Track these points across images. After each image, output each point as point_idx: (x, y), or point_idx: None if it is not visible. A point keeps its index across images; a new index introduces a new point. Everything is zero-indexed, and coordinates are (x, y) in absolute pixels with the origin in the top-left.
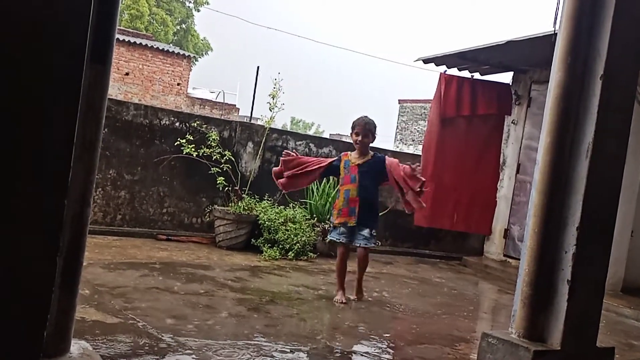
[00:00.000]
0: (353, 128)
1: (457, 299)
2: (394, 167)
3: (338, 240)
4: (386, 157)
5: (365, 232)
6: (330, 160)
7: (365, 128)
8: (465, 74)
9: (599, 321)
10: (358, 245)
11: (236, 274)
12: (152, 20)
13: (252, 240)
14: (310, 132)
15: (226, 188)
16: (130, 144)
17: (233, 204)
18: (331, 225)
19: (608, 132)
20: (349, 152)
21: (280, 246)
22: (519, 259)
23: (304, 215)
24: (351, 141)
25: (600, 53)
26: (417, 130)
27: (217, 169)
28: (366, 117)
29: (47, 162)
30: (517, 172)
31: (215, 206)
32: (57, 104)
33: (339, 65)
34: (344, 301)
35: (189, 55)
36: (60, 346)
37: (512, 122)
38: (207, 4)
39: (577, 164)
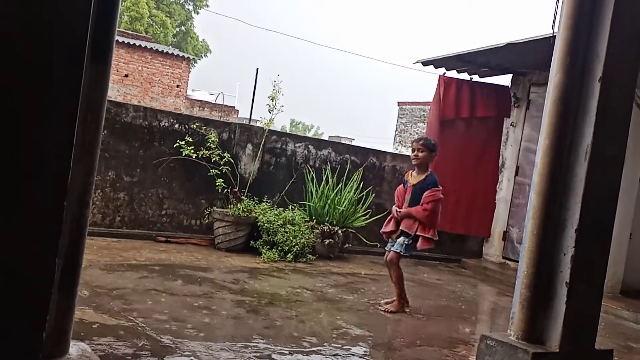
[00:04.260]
0: (411, 147)
1: (456, 301)
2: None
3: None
4: (433, 185)
5: (400, 239)
6: (402, 187)
7: (418, 143)
8: (465, 76)
9: (597, 323)
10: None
11: (235, 276)
12: (151, 22)
13: (251, 242)
14: (310, 134)
15: (225, 190)
16: (129, 145)
17: (232, 205)
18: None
19: (607, 134)
20: (410, 171)
21: (279, 248)
22: (518, 261)
23: (303, 217)
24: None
25: (599, 55)
26: (417, 133)
27: (216, 170)
28: (421, 136)
29: (46, 163)
30: (516, 174)
31: (214, 208)
32: (57, 104)
33: (338, 67)
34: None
35: (189, 57)
36: (59, 347)
37: (511, 125)
38: (207, 6)
39: (576, 166)
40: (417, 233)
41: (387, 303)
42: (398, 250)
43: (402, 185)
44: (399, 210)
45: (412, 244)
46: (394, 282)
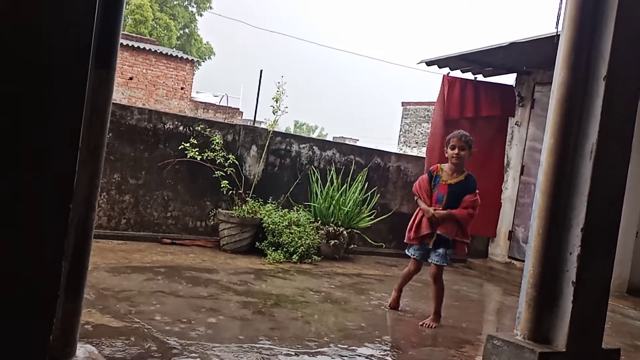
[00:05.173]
0: (448, 142)
1: (462, 301)
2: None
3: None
4: (475, 188)
5: (441, 250)
6: (427, 182)
7: (461, 140)
8: (469, 75)
9: (604, 322)
10: (431, 261)
11: (240, 277)
12: (155, 25)
13: (256, 243)
14: (314, 135)
15: (230, 191)
16: (134, 148)
17: (237, 207)
18: None
19: (612, 133)
20: (440, 165)
21: (284, 249)
22: (524, 261)
23: (308, 218)
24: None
25: (603, 54)
26: (421, 133)
27: (221, 172)
28: (461, 131)
29: (52, 166)
30: (521, 173)
31: (220, 210)
32: (62, 107)
33: (342, 68)
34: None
35: (193, 60)
36: (66, 349)
37: (515, 124)
38: (210, 8)
39: (581, 165)
40: (457, 238)
41: (422, 324)
42: (444, 264)
43: (425, 176)
44: (436, 210)
45: (451, 253)
46: (434, 296)
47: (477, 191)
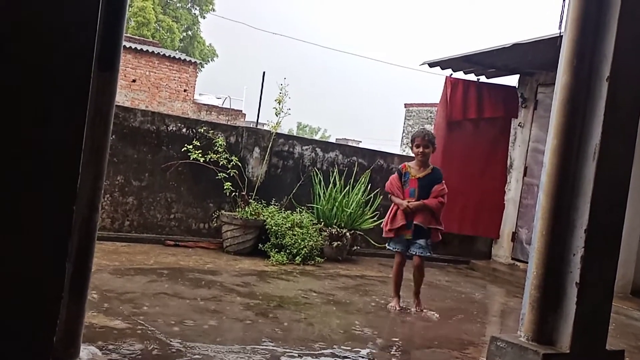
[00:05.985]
0: (412, 141)
1: (465, 303)
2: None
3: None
4: (441, 179)
5: (421, 241)
6: (397, 179)
7: (425, 139)
8: (471, 77)
9: (608, 324)
10: (414, 253)
11: (244, 279)
12: (158, 28)
13: (260, 245)
14: (317, 137)
15: (233, 193)
16: (137, 150)
17: (240, 209)
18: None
19: (615, 134)
20: (407, 163)
21: (287, 251)
22: (527, 262)
23: (311, 220)
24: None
25: (606, 55)
26: None
27: (224, 174)
28: (424, 129)
29: (54, 167)
30: (525, 174)
31: (223, 211)
32: (66, 109)
33: (344, 70)
34: (397, 308)
35: (195, 62)
36: (69, 350)
37: (518, 125)
38: (213, 10)
39: (585, 165)
40: (431, 226)
41: (418, 310)
42: (427, 254)
43: (396, 175)
44: (409, 202)
45: (431, 242)
46: (418, 283)
47: (444, 181)
